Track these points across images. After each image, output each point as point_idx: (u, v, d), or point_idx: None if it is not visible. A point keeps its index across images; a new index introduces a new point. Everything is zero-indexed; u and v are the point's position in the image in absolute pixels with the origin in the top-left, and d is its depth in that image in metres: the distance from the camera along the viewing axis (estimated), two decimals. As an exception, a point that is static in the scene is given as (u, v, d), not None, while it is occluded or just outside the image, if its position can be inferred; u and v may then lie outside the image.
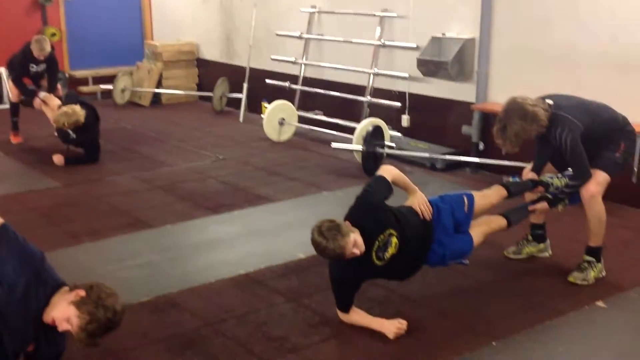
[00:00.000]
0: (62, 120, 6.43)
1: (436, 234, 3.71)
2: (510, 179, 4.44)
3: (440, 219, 3.74)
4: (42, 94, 7.14)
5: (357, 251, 3.34)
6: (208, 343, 3.46)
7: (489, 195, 4.03)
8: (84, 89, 9.87)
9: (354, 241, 3.32)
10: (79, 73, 10.02)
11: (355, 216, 3.50)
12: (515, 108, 3.87)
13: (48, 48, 7.20)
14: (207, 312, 3.78)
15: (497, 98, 6.21)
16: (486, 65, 6.29)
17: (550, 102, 3.94)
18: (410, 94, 6.96)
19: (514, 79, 6.08)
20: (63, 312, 2.69)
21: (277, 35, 8.39)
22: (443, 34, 6.56)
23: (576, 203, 4.10)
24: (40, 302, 2.74)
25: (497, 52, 6.24)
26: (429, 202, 3.75)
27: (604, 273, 4.12)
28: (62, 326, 2.71)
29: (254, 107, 8.84)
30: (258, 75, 8.68)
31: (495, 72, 6.28)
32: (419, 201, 3.72)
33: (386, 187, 3.60)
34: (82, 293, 2.70)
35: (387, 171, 3.66)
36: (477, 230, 3.88)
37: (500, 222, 4.00)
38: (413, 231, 3.61)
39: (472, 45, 6.36)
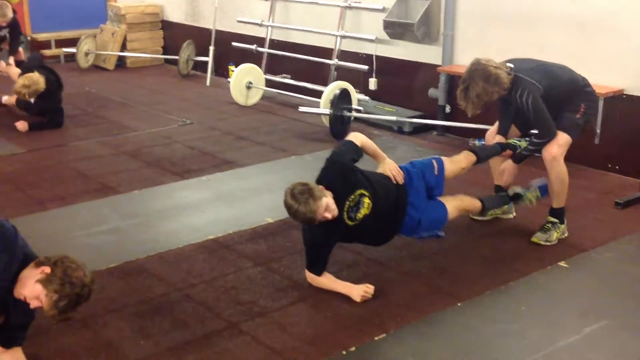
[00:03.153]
0: (23, 92, 6.31)
1: (409, 197, 3.75)
2: (477, 142, 4.49)
3: (412, 182, 3.80)
4: (3, 66, 7.05)
5: (328, 215, 3.37)
6: (177, 308, 3.47)
7: (459, 160, 4.08)
8: (46, 52, 9.65)
9: (326, 205, 3.34)
10: (42, 36, 9.79)
11: (326, 177, 3.53)
12: (479, 69, 3.90)
13: (10, 14, 7.08)
14: (175, 277, 3.79)
15: (463, 60, 6.22)
16: (452, 27, 6.29)
17: (510, 65, 3.97)
18: (378, 57, 6.94)
19: (479, 41, 6.10)
20: (31, 291, 2.65)
21: (243, -4, 8.28)
22: (410, -4, 6.54)
23: (546, 195, 4.20)
24: (12, 278, 2.70)
25: (463, 14, 6.23)
26: (399, 167, 3.80)
27: (566, 234, 4.21)
28: (33, 304, 2.69)
29: (221, 71, 8.74)
30: (224, 38, 8.56)
31: (460, 34, 6.29)
32: (390, 167, 3.76)
33: (355, 150, 3.64)
34: (47, 270, 2.65)
35: (356, 137, 3.70)
36: (453, 204, 3.93)
37: (475, 203, 4.07)
38: (386, 193, 3.65)
39: (437, 7, 6.34)
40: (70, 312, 2.71)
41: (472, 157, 4.11)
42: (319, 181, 3.51)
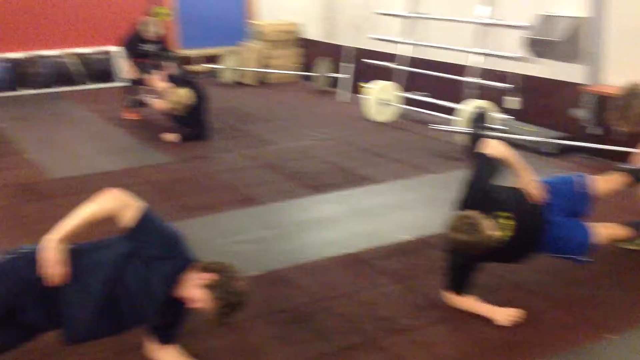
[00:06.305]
0: (176, 108, 6.70)
1: (548, 215, 3.61)
2: (623, 166, 4.26)
3: (551, 199, 3.65)
4: (152, 80, 7.51)
5: (498, 233, 3.31)
6: (317, 318, 3.52)
7: (610, 180, 3.91)
8: (193, 67, 10.15)
9: (488, 226, 3.28)
10: (189, 52, 10.31)
11: (470, 204, 3.44)
12: None
13: (157, 30, 7.49)
14: (315, 288, 3.84)
15: (612, 80, 5.94)
16: (599, 45, 6.02)
17: None
18: (518, 75, 6.77)
19: (630, 60, 5.79)
20: (195, 294, 2.79)
21: (378, 13, 8.33)
22: (554, 12, 6.33)
23: None
24: (174, 280, 2.84)
25: (613, 32, 5.95)
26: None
27: None
28: (193, 305, 2.83)
29: (356, 87, 8.84)
30: (360, 55, 8.66)
31: (610, 52, 6.01)
32: (531, 184, 3.62)
33: (495, 167, 3.51)
34: (214, 277, 2.80)
35: (496, 149, 3.52)
36: (602, 230, 3.75)
37: (627, 232, 3.87)
38: (527, 212, 3.53)
39: (584, 24, 6.10)
40: (228, 319, 2.83)
41: (626, 178, 3.91)
42: (464, 206, 3.44)
